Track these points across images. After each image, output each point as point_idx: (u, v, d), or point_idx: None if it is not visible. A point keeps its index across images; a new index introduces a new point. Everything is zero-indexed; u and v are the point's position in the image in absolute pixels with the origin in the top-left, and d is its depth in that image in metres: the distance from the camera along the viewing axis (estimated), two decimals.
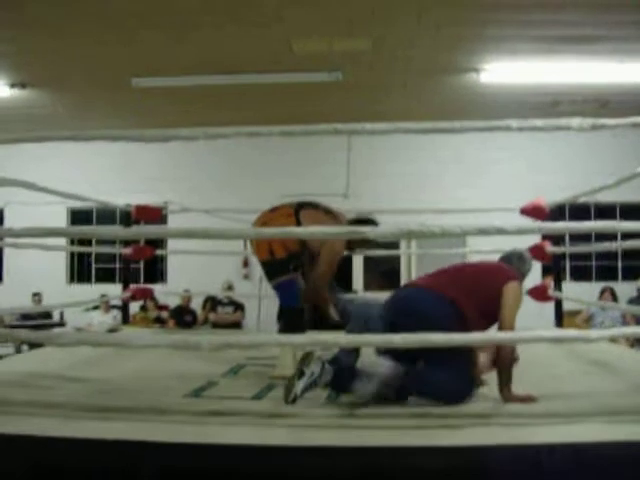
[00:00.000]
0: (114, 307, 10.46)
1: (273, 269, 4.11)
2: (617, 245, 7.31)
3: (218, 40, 7.66)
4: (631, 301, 9.68)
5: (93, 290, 10.79)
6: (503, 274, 3.42)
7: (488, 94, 9.58)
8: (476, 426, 2.70)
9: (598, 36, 7.49)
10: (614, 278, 11.61)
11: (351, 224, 4.12)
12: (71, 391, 3.40)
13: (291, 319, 4.05)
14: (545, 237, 7.13)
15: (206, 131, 2.67)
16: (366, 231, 2.56)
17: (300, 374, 2.96)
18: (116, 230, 3.60)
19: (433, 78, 9.04)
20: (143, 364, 4.35)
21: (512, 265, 3.67)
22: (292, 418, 2.86)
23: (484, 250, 8.49)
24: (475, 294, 3.25)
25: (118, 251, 7.63)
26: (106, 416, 2.82)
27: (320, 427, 2.71)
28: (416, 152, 11.55)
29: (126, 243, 6.31)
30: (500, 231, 2.61)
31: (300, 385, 2.93)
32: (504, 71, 8.72)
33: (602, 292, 9.63)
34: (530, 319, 4.17)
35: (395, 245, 11.14)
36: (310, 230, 2.81)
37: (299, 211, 4.12)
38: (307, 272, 4.16)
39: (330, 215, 4.23)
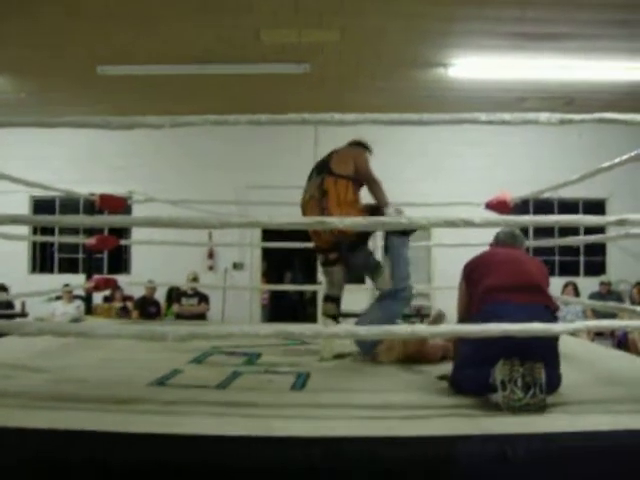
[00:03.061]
0: (77, 297, 10.33)
1: (364, 238, 4.55)
2: (580, 239, 7.42)
3: (186, 29, 7.59)
4: (592, 296, 9.84)
5: (56, 280, 10.64)
6: None
7: (456, 89, 9.63)
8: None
9: (565, 33, 7.58)
10: (576, 273, 11.80)
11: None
12: (32, 381, 3.34)
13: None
14: None
15: (173, 119, 2.63)
16: (334, 221, 2.54)
17: None
18: (83, 218, 3.53)
19: (401, 71, 9.05)
20: (106, 354, 4.30)
21: (507, 245, 3.68)
22: (255, 408, 2.86)
23: (448, 244, 8.61)
24: None
25: (81, 241, 7.54)
26: (68, 406, 2.78)
27: (284, 417, 2.69)
28: (381, 146, 11.46)
29: (90, 233, 6.23)
30: (467, 224, 2.62)
31: None
32: (472, 66, 8.76)
33: (565, 286, 9.77)
34: None
35: None
36: (274, 221, 2.78)
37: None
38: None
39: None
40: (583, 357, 4.31)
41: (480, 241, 5.24)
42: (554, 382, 3.02)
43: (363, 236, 4.51)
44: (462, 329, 2.92)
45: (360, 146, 4.89)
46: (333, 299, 4.67)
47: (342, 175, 4.50)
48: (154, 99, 10.02)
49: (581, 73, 8.88)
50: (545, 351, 3.04)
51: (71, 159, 11.73)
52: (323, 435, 2.41)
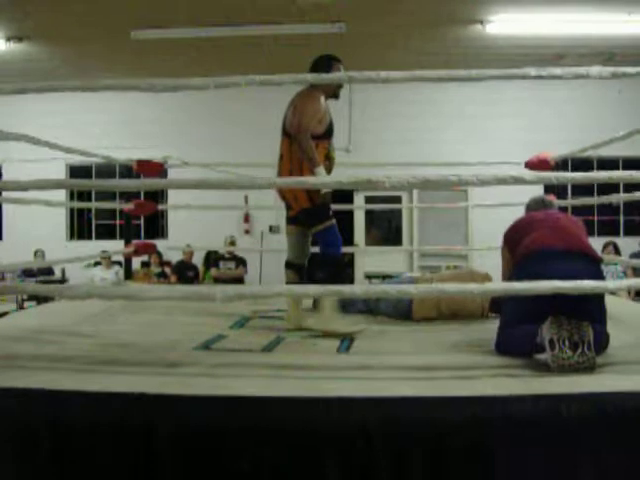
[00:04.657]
0: (115, 263, 10.44)
1: (318, 214, 3.97)
2: (619, 197, 7.30)
3: None
4: (633, 256, 9.69)
5: (93, 246, 10.78)
6: None
7: (493, 46, 9.47)
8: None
9: None
10: (616, 233, 11.63)
11: None
12: (80, 345, 3.37)
13: (337, 268, 3.97)
14: (549, 191, 7.09)
15: (218, 80, 2.60)
16: (379, 179, 2.51)
17: None
18: (131, 182, 3.52)
19: (437, 30, 8.91)
20: (149, 319, 4.35)
21: (540, 211, 3.65)
22: (305, 370, 2.86)
23: (485, 204, 8.53)
24: None
25: (119, 206, 7.57)
26: (117, 370, 2.81)
27: (334, 378, 2.69)
28: (418, 107, 11.49)
29: (127, 198, 6.25)
30: (517, 180, 2.57)
31: None
32: (509, 22, 8.60)
33: (605, 246, 9.63)
34: None
35: (397, 199, 11.13)
36: (325, 181, 2.75)
37: None
38: None
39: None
40: (628, 317, 4.23)
41: (517, 200, 5.19)
42: (602, 340, 2.98)
43: (320, 206, 3.99)
44: (510, 286, 2.88)
45: (323, 68, 4.02)
46: (290, 265, 4.30)
47: (288, 133, 4.03)
48: (189, 63, 9.99)
49: (622, 27, 8.66)
50: (592, 308, 3.00)
51: (106, 126, 11.78)
52: (375, 395, 2.41)
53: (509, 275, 3.38)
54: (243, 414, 2.32)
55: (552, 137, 9.98)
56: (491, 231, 4.06)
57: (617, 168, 11.27)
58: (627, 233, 11.73)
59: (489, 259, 4.02)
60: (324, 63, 4.09)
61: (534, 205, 3.78)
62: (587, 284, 2.72)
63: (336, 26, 8.48)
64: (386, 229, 12.31)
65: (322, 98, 3.96)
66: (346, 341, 3.61)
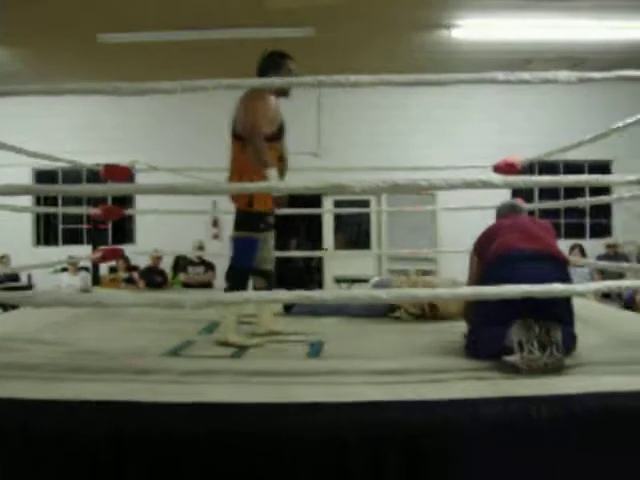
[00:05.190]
0: (82, 269, 10.33)
1: (248, 221, 3.85)
2: (586, 201, 7.39)
3: None
4: (599, 258, 9.81)
5: (60, 252, 10.64)
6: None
7: (459, 51, 9.53)
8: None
9: None
10: (582, 236, 11.77)
11: None
12: (47, 353, 3.32)
13: (239, 280, 3.80)
14: (517, 194, 7.17)
15: (185, 84, 2.58)
16: (348, 184, 2.50)
17: None
18: (97, 187, 3.45)
19: (405, 34, 8.95)
20: (116, 326, 4.29)
21: (509, 216, 3.66)
22: (275, 376, 2.85)
23: (453, 208, 8.58)
24: None
25: (85, 212, 7.48)
26: (84, 377, 2.77)
27: (305, 384, 2.68)
28: (386, 112, 11.54)
29: (94, 203, 6.19)
30: (486, 184, 2.58)
31: None
32: (476, 27, 8.66)
33: (571, 249, 9.74)
34: None
35: (365, 203, 11.16)
36: (292, 185, 2.74)
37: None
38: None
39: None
40: (595, 318, 4.30)
41: (484, 204, 5.22)
42: (570, 342, 3.01)
43: (255, 214, 3.84)
44: (478, 290, 2.90)
45: (272, 69, 3.93)
46: (257, 272, 4.06)
47: (240, 136, 3.86)
48: (155, 68, 9.88)
49: (588, 33, 8.78)
50: (560, 310, 3.03)
51: (70, 131, 11.62)
52: (347, 401, 2.40)
53: (475, 280, 3.39)
54: (213, 421, 2.30)
55: (521, 140, 10.06)
56: (458, 234, 4.07)
57: (583, 171, 11.42)
58: (593, 235, 11.88)
59: (457, 262, 4.08)
60: (274, 61, 3.96)
61: (504, 210, 3.79)
62: (556, 287, 2.74)
63: (304, 30, 8.47)
64: (355, 233, 12.33)
65: (272, 98, 3.83)
66: (316, 345, 3.60)
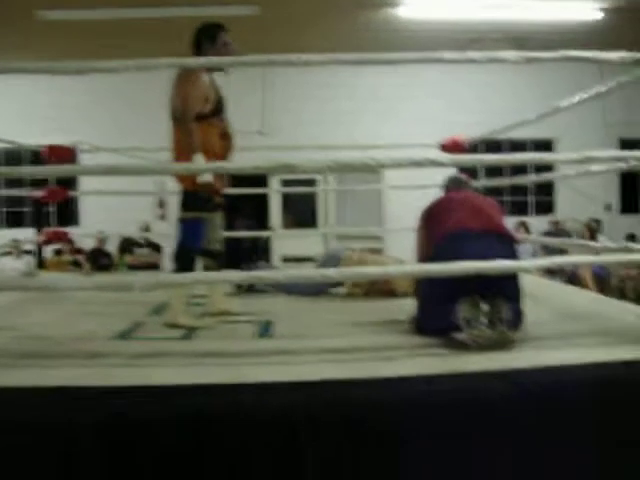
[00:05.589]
0: (26, 252, 10.11)
1: (191, 202, 3.74)
2: (530, 179, 7.51)
3: None
4: (543, 235, 10.02)
5: (2, 235, 10.39)
6: None
7: (405, 30, 9.56)
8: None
9: None
10: (526, 213, 12.00)
11: None
12: None
13: (187, 261, 3.71)
14: (462, 171, 7.24)
15: (138, 62, 2.52)
16: (299, 164, 2.50)
17: None
18: (52, 168, 3.35)
19: (351, 13, 8.93)
20: (63, 310, 4.21)
21: (455, 190, 3.69)
22: (226, 357, 2.84)
23: (399, 186, 8.63)
24: None
25: (28, 194, 7.32)
26: (33, 363, 2.73)
27: (256, 364, 2.69)
28: (332, 90, 11.53)
29: (36, 185, 6.06)
30: (434, 163, 2.60)
31: None
32: (422, 6, 8.68)
33: (518, 226, 9.92)
34: None
35: (312, 182, 11.17)
36: (241, 165, 2.72)
37: None
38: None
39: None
40: (541, 293, 4.38)
41: (431, 182, 5.26)
42: (517, 318, 3.06)
43: (193, 197, 3.71)
44: (426, 268, 2.93)
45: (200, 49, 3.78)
46: (205, 252, 4.00)
47: (174, 117, 3.76)
48: (98, 45, 9.66)
49: (533, 13, 8.90)
50: (507, 286, 3.08)
51: (6, 112, 11.29)
52: (297, 380, 2.41)
53: (425, 255, 3.42)
54: (164, 404, 2.28)
55: (468, 119, 10.13)
56: (405, 212, 4.09)
57: (526, 149, 11.62)
58: (537, 213, 12.12)
59: (404, 240, 4.11)
60: (208, 33, 3.79)
61: (451, 184, 3.80)
62: (503, 264, 2.79)
63: (249, 8, 8.39)
64: (302, 212, 12.32)
65: (203, 76, 3.67)
66: (266, 325, 3.60)
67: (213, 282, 3.75)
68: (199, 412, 2.27)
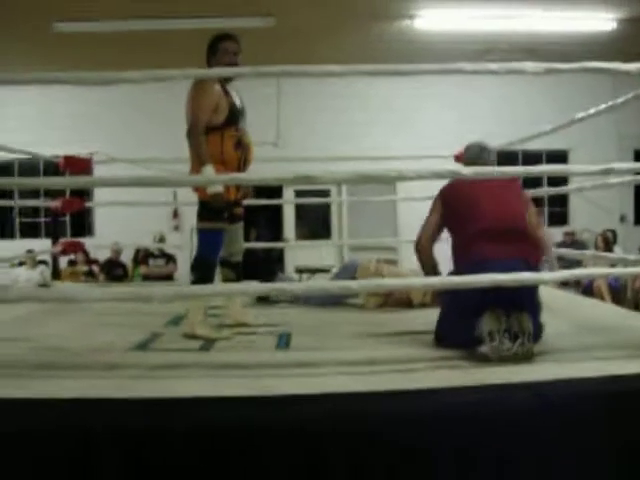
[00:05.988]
0: (41, 262, 10.15)
1: (208, 212, 3.72)
2: (546, 191, 7.48)
3: None
4: (558, 246, 9.96)
5: (17, 245, 10.45)
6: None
7: (421, 42, 9.57)
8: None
9: None
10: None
11: None
12: (12, 350, 3.24)
13: (205, 272, 3.68)
14: None
15: (155, 73, 2.53)
16: (320, 175, 2.49)
17: None
18: (69, 179, 3.33)
19: (367, 24, 8.95)
20: (79, 321, 4.20)
21: (479, 162, 3.52)
22: (245, 368, 2.83)
23: (415, 197, 8.60)
24: None
25: (43, 204, 7.34)
26: (52, 374, 2.72)
27: (276, 376, 2.67)
28: (346, 101, 11.53)
29: (52, 196, 6.08)
30: (454, 174, 2.59)
31: None
32: (438, 18, 8.72)
33: None
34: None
35: (325, 194, 11.17)
36: (259, 177, 2.72)
37: None
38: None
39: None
40: (558, 305, 4.35)
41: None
42: (537, 331, 3.04)
43: (209, 207, 3.69)
44: (450, 281, 2.92)
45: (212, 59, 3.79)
46: (224, 263, 4.04)
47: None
48: (113, 58, 9.70)
49: (544, 24, 8.93)
50: (528, 300, 3.06)
51: (22, 121, 11.36)
52: (319, 392, 2.40)
53: (430, 233, 3.37)
54: (187, 416, 2.27)
55: (481, 130, 10.09)
56: (419, 224, 4.04)
57: (541, 161, 11.58)
58: (551, 224, 12.06)
59: None
60: (211, 45, 3.80)
61: (474, 154, 3.60)
62: (524, 276, 2.78)
63: (264, 20, 8.42)
64: (316, 223, 12.32)
65: (214, 86, 3.63)
66: (284, 336, 3.59)
67: (233, 294, 3.74)
68: (221, 424, 2.26)
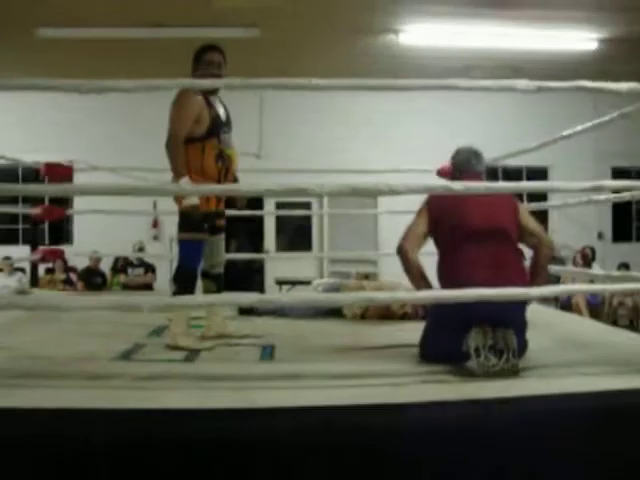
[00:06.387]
0: (18, 270, 10.05)
1: (188, 223, 3.72)
2: (530, 207, 7.49)
3: None
4: None
5: None
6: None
7: (405, 56, 9.60)
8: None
9: (515, 1, 7.63)
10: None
11: None
12: None
13: (187, 283, 3.68)
14: None
15: (146, 82, 2.52)
16: (311, 187, 2.49)
17: None
18: (52, 186, 3.31)
19: (351, 38, 8.97)
20: (59, 329, 4.16)
21: (469, 170, 3.47)
22: (229, 380, 2.81)
23: (395, 210, 8.62)
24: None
25: (22, 211, 7.27)
26: (35, 384, 2.68)
27: (261, 388, 2.66)
28: (326, 115, 11.55)
29: (32, 203, 6.04)
30: (446, 189, 2.60)
31: None
32: (423, 33, 8.78)
33: None
34: None
35: (307, 205, 11.17)
36: (243, 187, 2.71)
37: None
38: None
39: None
40: (540, 321, 4.36)
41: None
42: (521, 346, 3.06)
43: (189, 218, 3.69)
44: (437, 294, 2.92)
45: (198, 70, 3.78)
46: (205, 274, 4.03)
47: None
48: (98, 65, 9.64)
49: (528, 42, 9.01)
50: (514, 316, 3.08)
51: (2, 128, 11.24)
52: (303, 405, 2.39)
53: (413, 240, 3.33)
54: (174, 427, 2.25)
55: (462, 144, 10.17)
56: (399, 237, 4.04)
57: (521, 177, 11.66)
58: None
59: (398, 265, 4.05)
60: (195, 54, 3.80)
61: (463, 162, 3.53)
62: (511, 291, 2.79)
63: (249, 31, 8.42)
64: (296, 235, 12.30)
65: (196, 96, 3.62)
66: (268, 348, 3.57)
67: (218, 305, 3.72)
68: (207, 436, 2.24)
